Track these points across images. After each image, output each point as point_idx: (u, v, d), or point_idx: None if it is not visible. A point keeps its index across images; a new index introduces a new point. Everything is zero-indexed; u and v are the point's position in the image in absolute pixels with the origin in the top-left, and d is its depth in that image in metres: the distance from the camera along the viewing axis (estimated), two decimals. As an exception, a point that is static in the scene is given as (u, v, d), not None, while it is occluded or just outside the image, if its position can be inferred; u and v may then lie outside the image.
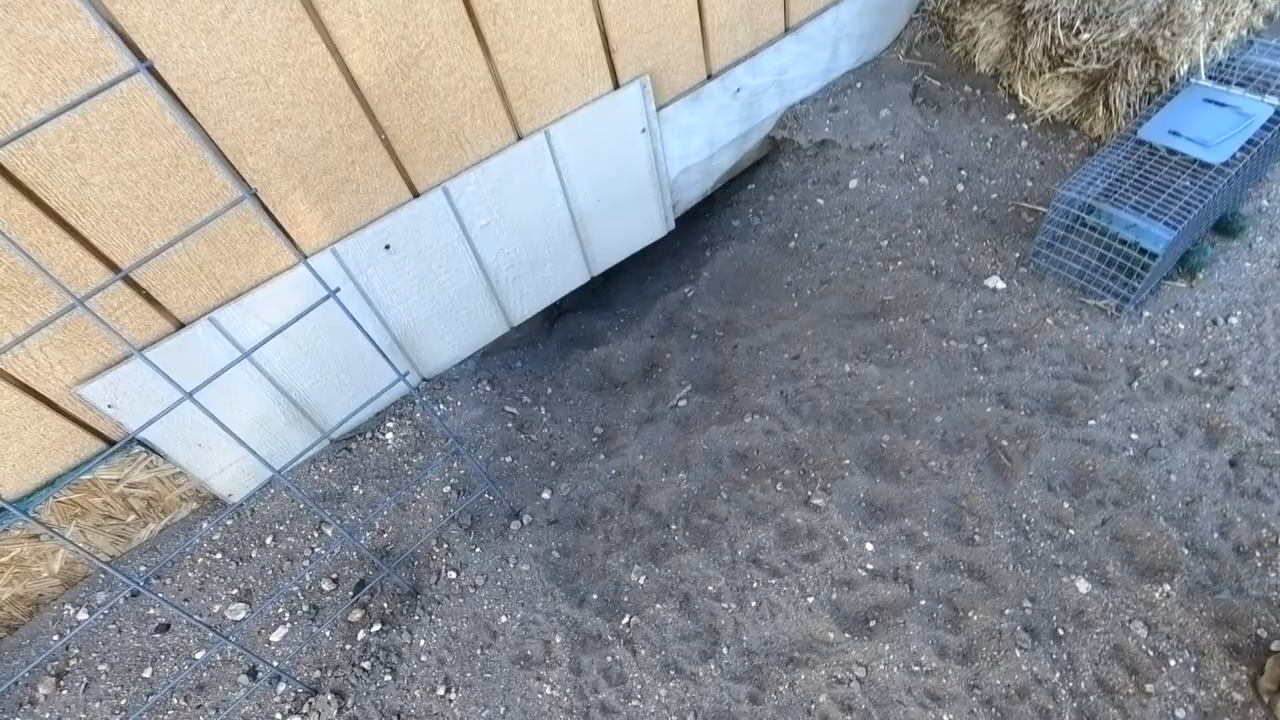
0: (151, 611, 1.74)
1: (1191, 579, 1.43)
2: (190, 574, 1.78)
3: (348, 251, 1.67)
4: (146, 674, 1.64)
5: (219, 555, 1.81)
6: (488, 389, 2.06)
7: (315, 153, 1.51)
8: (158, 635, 1.70)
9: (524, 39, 1.64)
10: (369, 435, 1.95)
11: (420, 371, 2.02)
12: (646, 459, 1.87)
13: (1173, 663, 1.35)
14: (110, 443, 1.63)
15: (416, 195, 1.71)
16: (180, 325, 1.56)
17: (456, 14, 1.51)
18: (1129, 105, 2.03)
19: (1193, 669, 1.34)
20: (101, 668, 1.65)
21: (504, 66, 1.65)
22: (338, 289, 1.31)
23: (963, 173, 2.20)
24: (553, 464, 1.91)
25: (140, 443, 1.66)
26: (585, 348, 2.23)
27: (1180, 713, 1.31)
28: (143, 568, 1.80)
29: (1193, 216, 1.69)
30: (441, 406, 2.00)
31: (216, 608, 1.73)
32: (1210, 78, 1.96)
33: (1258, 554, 1.44)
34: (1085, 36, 1.98)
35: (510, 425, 2.00)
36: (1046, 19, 2.03)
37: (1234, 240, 1.89)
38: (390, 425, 1.96)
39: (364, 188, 1.62)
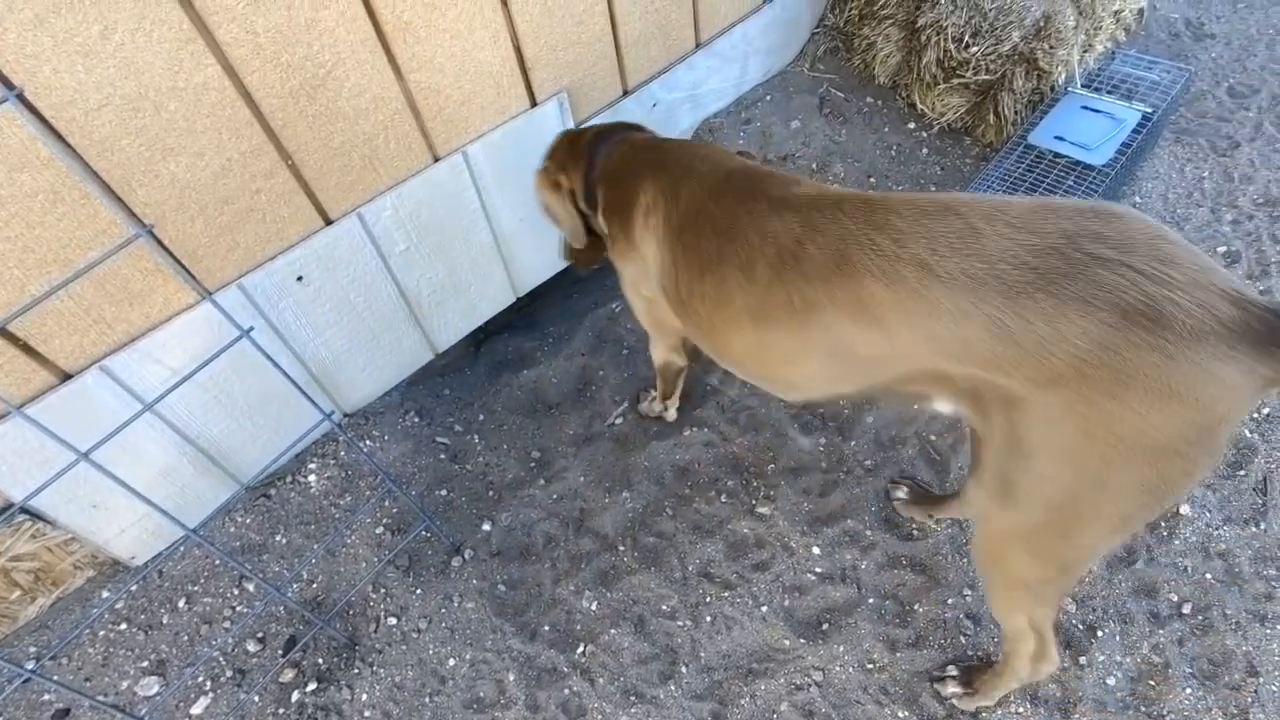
0: (46, 697, 1.55)
1: (1109, 553, 1.53)
2: (91, 649, 1.61)
3: (256, 285, 1.56)
4: (45, 768, 1.47)
5: (124, 625, 1.64)
6: (416, 420, 1.97)
7: (215, 182, 1.40)
8: (55, 723, 1.52)
9: (436, 58, 1.58)
10: (289, 479, 1.83)
11: (342, 407, 1.91)
12: (588, 481, 1.83)
13: (1100, 633, 1.44)
14: (-13, 513, 1.44)
15: (329, 222, 1.62)
16: (66, 376, 1.41)
17: (364, 33, 1.45)
18: (1016, 113, 2.18)
19: (1118, 637, 1.44)
20: (-11, 768, 1.46)
21: (417, 86, 1.59)
22: (251, 328, 1.22)
23: (871, 180, 2.29)
24: (491, 494, 1.84)
25: (25, 510, 1.48)
26: (515, 370, 2.17)
27: (1110, 680, 1.39)
28: (32, 649, 1.61)
29: (1082, 215, 1.82)
30: (368, 442, 1.89)
31: (125, 684, 1.57)
32: (1084, 86, 2.13)
33: (1162, 524, 1.56)
34: (974, 50, 2.11)
35: (443, 456, 1.92)
36: (938, 34, 2.15)
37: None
38: (313, 466, 1.84)
39: (271, 217, 1.52)
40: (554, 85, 1.85)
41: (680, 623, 1.54)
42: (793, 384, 1.21)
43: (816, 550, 1.60)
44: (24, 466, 1.41)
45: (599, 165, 1.42)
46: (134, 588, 1.67)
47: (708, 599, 1.56)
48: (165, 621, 1.64)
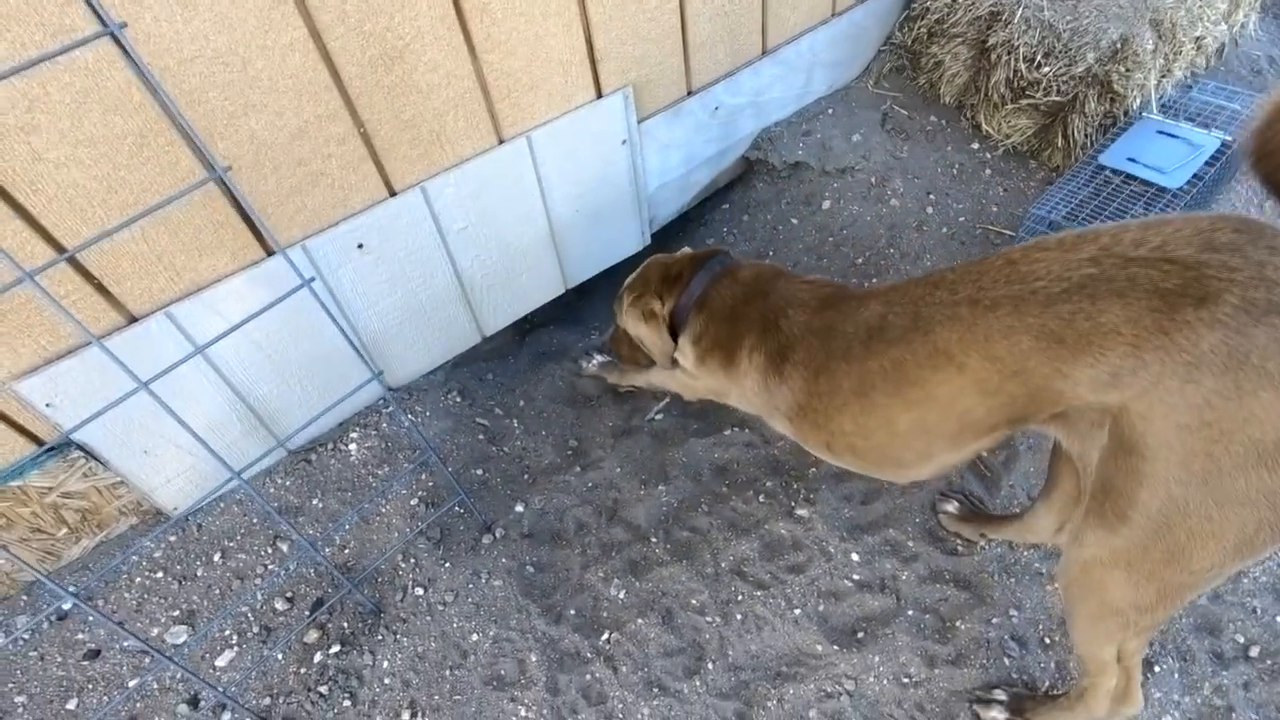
0: (80, 636, 1.58)
1: (1225, 581, 1.44)
2: (126, 594, 1.64)
3: (319, 248, 1.60)
4: (71, 706, 1.49)
5: (160, 574, 1.67)
6: (458, 400, 1.99)
7: (290, 142, 1.45)
8: (86, 663, 1.55)
9: (510, 41, 1.62)
10: (331, 446, 1.85)
11: (388, 380, 1.94)
12: (623, 472, 1.81)
13: (1158, 669, 1.35)
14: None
15: (393, 194, 1.66)
16: (133, 319, 1.45)
17: (444, 9, 1.49)
18: (1086, 137, 2.13)
19: (1176, 675, 1.35)
20: (19, 699, 1.48)
21: (489, 67, 1.63)
22: (312, 278, 1.25)
23: (931, 196, 2.26)
24: (526, 477, 1.84)
25: (79, 446, 1.53)
26: (558, 361, 2.18)
27: (1167, 719, 1.30)
28: (72, 587, 1.64)
29: (1153, 238, 1.76)
30: (410, 417, 1.91)
31: (155, 631, 1.59)
32: (1160, 112, 2.07)
33: (1230, 561, 1.47)
34: (1045, 70, 2.08)
35: (481, 437, 1.92)
36: (1009, 53, 2.13)
37: None
38: (354, 435, 1.87)
39: (339, 182, 1.56)
40: (620, 79, 1.88)
41: (709, 619, 1.50)
42: (900, 460, 1.24)
43: (855, 557, 1.54)
44: (86, 403, 1.46)
45: (697, 295, 1.50)
46: (173, 537, 1.70)
47: (739, 597, 1.52)
48: (199, 574, 1.67)
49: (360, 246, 1.66)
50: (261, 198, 1.47)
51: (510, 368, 2.19)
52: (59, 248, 1.31)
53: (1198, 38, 2.06)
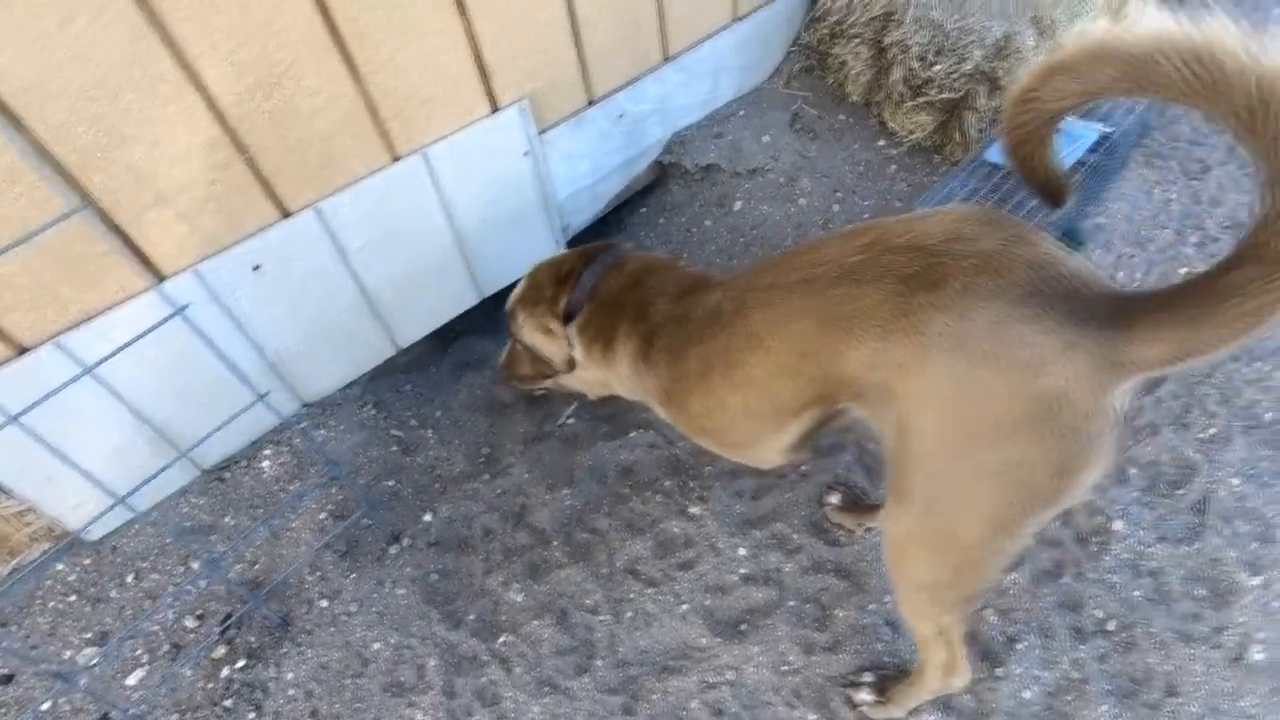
0: (-8, 662, 1.61)
1: (1037, 566, 1.51)
2: (40, 619, 1.67)
3: (212, 272, 1.63)
4: (-17, 730, 1.52)
5: (73, 597, 1.70)
6: (373, 413, 2.02)
7: (171, 170, 1.47)
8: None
9: (395, 61, 1.65)
10: (245, 464, 1.88)
11: (301, 396, 1.97)
12: (532, 477, 1.86)
13: (1020, 646, 1.42)
14: (-59, 478, 1.52)
15: (287, 215, 1.69)
16: (22, 350, 1.48)
17: (319, 35, 1.52)
18: (980, 131, 2.19)
19: (1038, 651, 1.41)
20: (-71, 726, 1.51)
21: (375, 88, 1.66)
22: (186, 306, 1.29)
23: (838, 194, 2.31)
24: (436, 486, 1.88)
25: (-23, 477, 1.55)
26: (478, 370, 2.22)
27: (1026, 694, 1.37)
28: (-16, 615, 1.67)
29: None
30: (323, 431, 1.95)
31: (68, 654, 1.62)
32: (1049, 106, 2.13)
33: (1094, 541, 1.54)
34: (937, 68, 2.14)
35: (395, 449, 1.96)
36: (903, 52, 2.19)
37: (1077, 253, 2.05)
38: (267, 453, 1.90)
39: (227, 207, 1.59)
40: (515, 92, 1.91)
41: (601, 617, 1.55)
42: (736, 441, 1.29)
43: (743, 551, 1.60)
44: (-21, 435, 1.48)
45: (589, 288, 1.53)
46: (87, 561, 1.73)
47: (631, 595, 1.57)
48: (113, 595, 1.70)
49: (257, 268, 1.69)
50: (146, 225, 1.50)
51: (431, 378, 2.23)
52: (-65, 285, 1.33)
53: (1079, 33, 2.12)
